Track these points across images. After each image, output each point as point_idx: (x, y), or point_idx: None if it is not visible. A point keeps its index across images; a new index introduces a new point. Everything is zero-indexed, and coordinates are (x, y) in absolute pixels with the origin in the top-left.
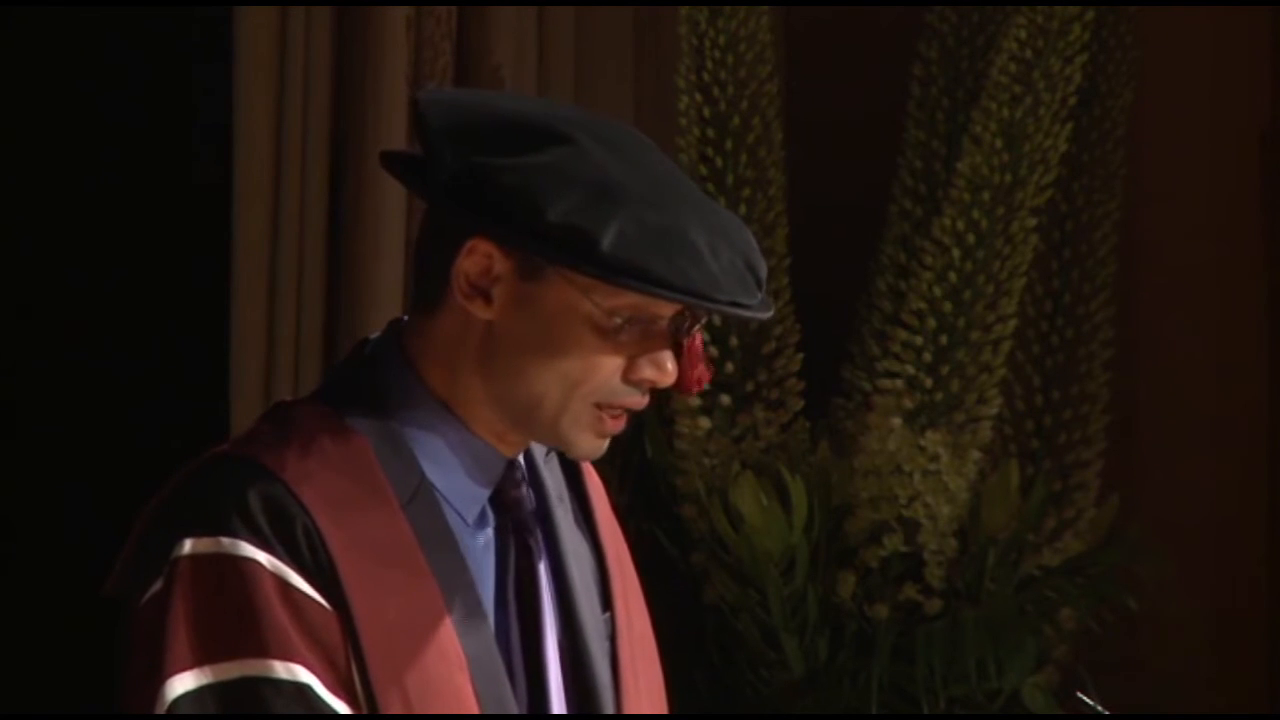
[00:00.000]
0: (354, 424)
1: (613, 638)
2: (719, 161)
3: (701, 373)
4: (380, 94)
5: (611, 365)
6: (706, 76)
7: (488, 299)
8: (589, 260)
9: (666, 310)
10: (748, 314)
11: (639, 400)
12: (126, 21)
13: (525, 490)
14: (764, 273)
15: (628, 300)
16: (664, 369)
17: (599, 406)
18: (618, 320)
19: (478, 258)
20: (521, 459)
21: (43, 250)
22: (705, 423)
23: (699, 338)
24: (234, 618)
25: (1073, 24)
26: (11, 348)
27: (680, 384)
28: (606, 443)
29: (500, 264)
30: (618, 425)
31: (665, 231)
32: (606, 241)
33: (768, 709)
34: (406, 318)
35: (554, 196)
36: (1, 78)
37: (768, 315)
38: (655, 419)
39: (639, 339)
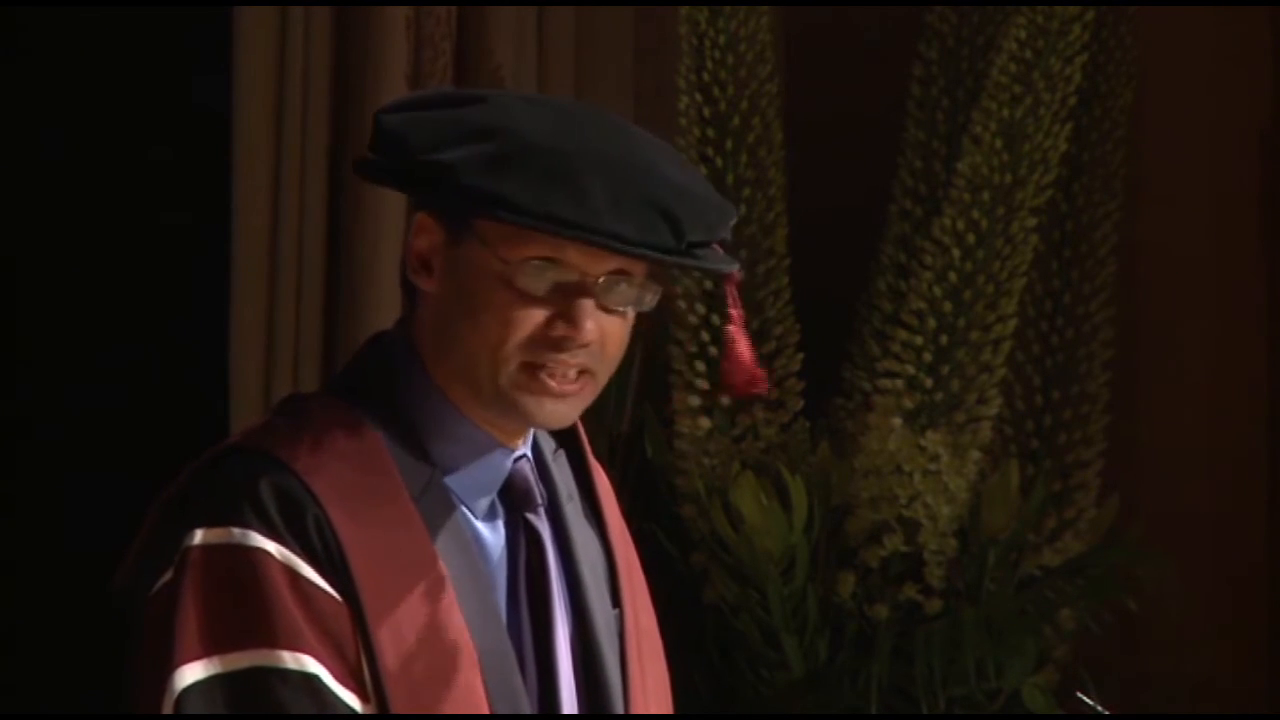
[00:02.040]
0: (366, 417)
1: (621, 634)
2: (719, 161)
3: (752, 375)
4: (380, 94)
5: (527, 323)
6: (706, 76)
7: (430, 272)
8: (449, 192)
9: (578, 261)
10: (636, 251)
11: (564, 360)
12: (126, 21)
13: (535, 485)
14: (684, 224)
15: (531, 249)
16: (578, 325)
17: (530, 366)
18: (527, 272)
19: (423, 234)
20: (530, 454)
21: (43, 250)
22: (705, 423)
23: (743, 341)
24: (243, 608)
25: (1073, 24)
26: (12, 347)
27: (730, 386)
28: (568, 408)
29: (437, 235)
30: (563, 386)
31: (545, 166)
32: (462, 169)
33: (768, 709)
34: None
35: (428, 135)
36: (1, 78)
37: (688, 263)
38: (655, 419)
39: (551, 294)
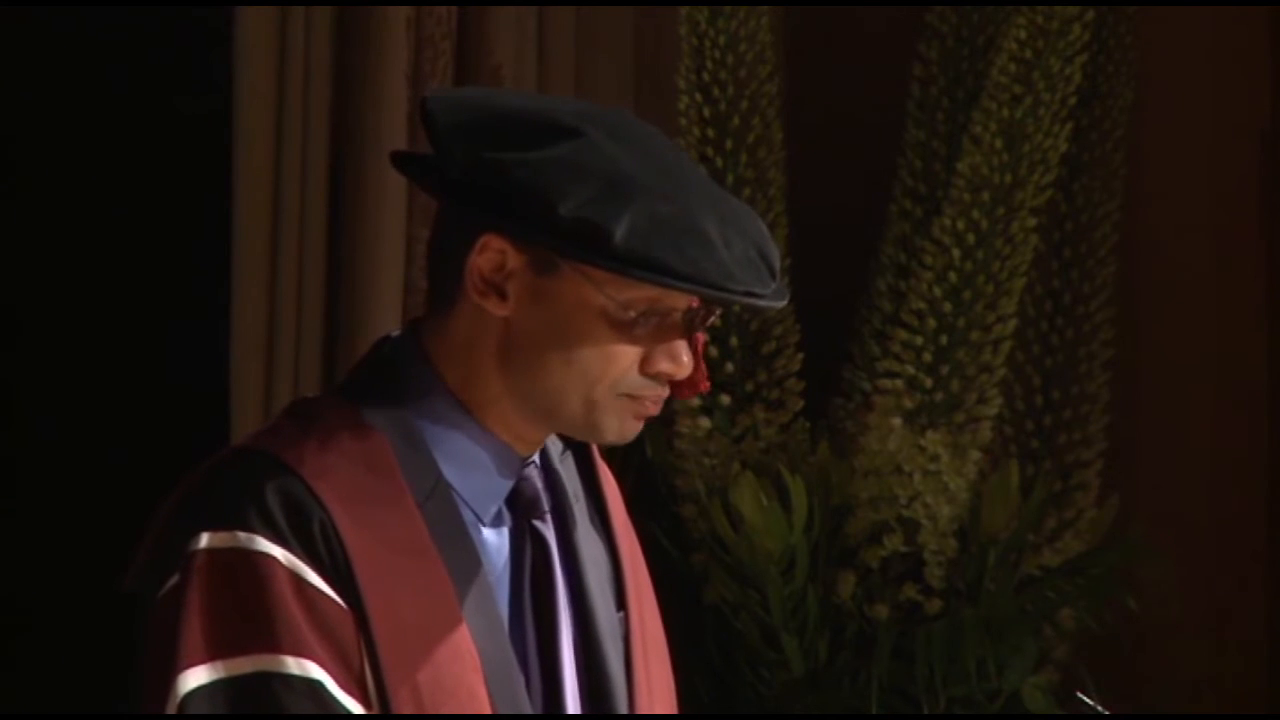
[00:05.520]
0: (373, 421)
1: (626, 638)
2: (719, 161)
3: (701, 376)
4: (380, 94)
5: (628, 358)
6: (706, 76)
7: (502, 295)
8: (603, 254)
9: (680, 302)
10: (763, 303)
11: (658, 393)
12: (127, 21)
13: (541, 490)
14: (776, 260)
15: (642, 293)
16: (679, 361)
17: (623, 395)
18: (633, 313)
19: (491, 254)
20: (538, 458)
21: (43, 249)
22: (705, 423)
23: (702, 341)
24: (248, 612)
25: (1073, 24)
26: (12, 347)
27: (681, 388)
28: (640, 426)
29: (514, 259)
30: (655, 409)
31: (677, 222)
32: (620, 235)
33: (768, 709)
34: (424, 317)
35: (566, 190)
36: (1, 78)
37: (783, 304)
38: (655, 419)
39: (654, 331)
